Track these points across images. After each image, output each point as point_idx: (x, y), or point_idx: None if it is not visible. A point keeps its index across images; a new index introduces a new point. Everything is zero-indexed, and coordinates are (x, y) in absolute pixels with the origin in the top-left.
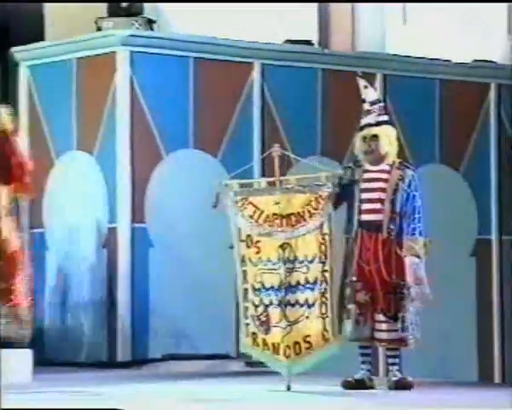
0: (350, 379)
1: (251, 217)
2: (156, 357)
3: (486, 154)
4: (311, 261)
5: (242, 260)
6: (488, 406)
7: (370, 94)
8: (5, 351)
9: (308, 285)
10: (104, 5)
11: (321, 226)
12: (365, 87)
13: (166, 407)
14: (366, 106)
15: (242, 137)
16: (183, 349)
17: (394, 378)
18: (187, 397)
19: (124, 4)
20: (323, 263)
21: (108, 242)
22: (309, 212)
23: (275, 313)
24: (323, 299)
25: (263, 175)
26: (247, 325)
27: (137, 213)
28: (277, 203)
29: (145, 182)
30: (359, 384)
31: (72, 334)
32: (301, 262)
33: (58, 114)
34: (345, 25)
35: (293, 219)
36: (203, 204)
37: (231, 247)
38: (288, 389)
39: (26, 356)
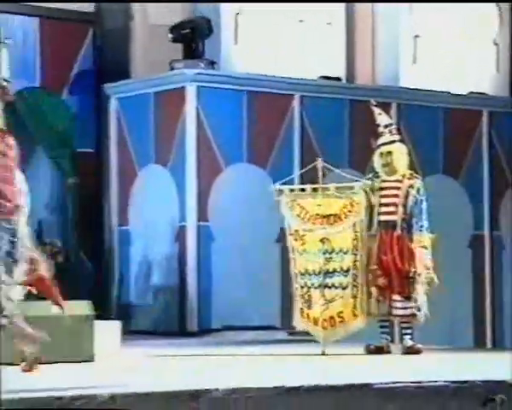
0: (372, 346)
1: (298, 216)
2: (217, 327)
3: (480, 166)
4: (345, 253)
5: (292, 251)
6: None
7: (384, 119)
8: (97, 322)
9: (342, 272)
10: (179, 50)
11: (354, 225)
12: (379, 114)
13: (226, 365)
14: (380, 129)
15: (285, 154)
16: (239, 321)
17: (407, 345)
18: (240, 358)
19: (193, 48)
20: (355, 254)
21: (179, 236)
22: (344, 213)
23: (315, 293)
24: (354, 283)
25: (301, 183)
26: (297, 301)
27: (202, 213)
28: (319, 205)
29: (208, 189)
30: (379, 350)
31: (151, 309)
32: (337, 253)
33: (140, 136)
34: (366, 64)
35: (332, 218)
36: (254, 206)
37: (277, 240)
38: (323, 353)
39: (115, 326)
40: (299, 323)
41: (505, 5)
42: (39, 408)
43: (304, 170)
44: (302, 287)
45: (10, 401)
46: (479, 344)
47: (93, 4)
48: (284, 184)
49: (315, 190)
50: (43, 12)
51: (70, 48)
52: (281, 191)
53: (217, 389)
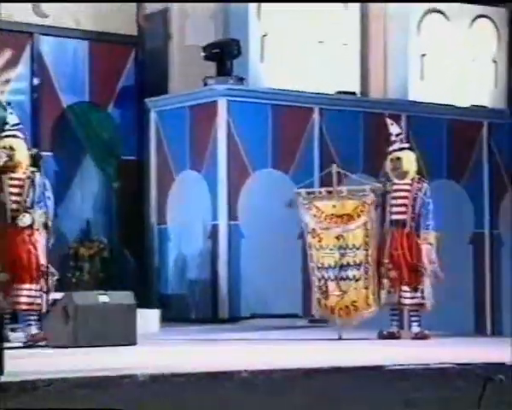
0: (384, 332)
1: (315, 216)
2: (246, 315)
3: (481, 171)
4: (358, 249)
5: (309, 247)
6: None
7: (395, 129)
8: (139, 310)
9: (355, 266)
10: (211, 68)
11: (365, 224)
12: (391, 124)
13: (253, 349)
14: (392, 137)
15: (306, 160)
16: (265, 310)
17: (415, 331)
18: (266, 343)
19: (224, 66)
20: (367, 250)
21: (212, 234)
22: (357, 213)
23: (332, 285)
24: (366, 276)
25: (321, 186)
26: (315, 292)
27: (232, 213)
28: (334, 206)
29: (237, 191)
30: (390, 335)
31: (187, 299)
32: (351, 249)
33: (177, 145)
34: (379, 80)
35: (346, 218)
36: (278, 207)
37: (299, 237)
38: (340, 338)
39: (155, 314)
40: (317, 311)
41: (503, 28)
42: (88, 387)
43: (321, 174)
44: (319, 279)
45: (62, 380)
46: (479, 331)
47: (136, 28)
48: (305, 187)
49: (330, 192)
50: (92, 36)
51: (115, 67)
52: (299, 194)
53: (245, 371)
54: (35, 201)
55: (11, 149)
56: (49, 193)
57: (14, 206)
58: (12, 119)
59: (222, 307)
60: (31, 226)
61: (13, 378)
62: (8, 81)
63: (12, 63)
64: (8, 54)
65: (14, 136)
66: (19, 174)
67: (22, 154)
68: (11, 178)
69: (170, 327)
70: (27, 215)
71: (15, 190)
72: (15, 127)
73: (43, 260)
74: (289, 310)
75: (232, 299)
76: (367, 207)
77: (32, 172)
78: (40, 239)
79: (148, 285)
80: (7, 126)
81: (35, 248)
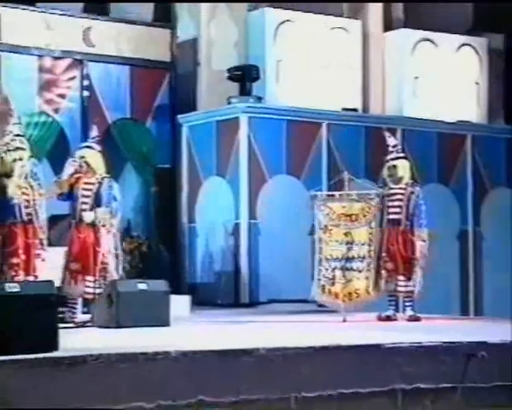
0: (382, 315)
1: (327, 214)
2: (264, 301)
3: (465, 177)
4: (362, 244)
5: (320, 241)
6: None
7: (392, 141)
8: (172, 296)
9: (360, 259)
10: (234, 88)
11: (370, 223)
12: (389, 136)
13: (270, 329)
14: (390, 148)
15: (316, 167)
16: (280, 296)
17: (408, 314)
18: (281, 324)
19: (245, 86)
20: (370, 245)
21: (235, 231)
22: (363, 214)
23: (338, 274)
24: (368, 268)
25: (328, 189)
26: (319, 280)
27: (252, 213)
28: (344, 207)
29: (256, 194)
30: (387, 318)
31: (212, 287)
32: (356, 244)
33: (205, 154)
34: (378, 98)
35: (353, 217)
36: (292, 207)
37: (309, 234)
38: (344, 320)
39: (185, 300)
40: (320, 297)
41: (484, 54)
42: (129, 361)
43: (334, 180)
44: (327, 269)
45: (107, 355)
46: (464, 313)
47: (169, 55)
48: (316, 191)
49: (340, 195)
50: (132, 62)
51: (152, 88)
52: (315, 196)
53: (263, 348)
54: (101, 202)
55: (82, 158)
56: (115, 194)
57: (83, 206)
58: (93, 134)
59: (243, 294)
60: (95, 224)
61: (66, 353)
62: (63, 100)
63: (66, 86)
64: (63, 79)
65: (88, 147)
66: (92, 179)
67: (94, 162)
68: (84, 183)
69: (198, 311)
70: (91, 213)
71: (86, 193)
72: (93, 140)
73: (103, 256)
74: (301, 296)
75: (252, 287)
76: (372, 209)
77: (103, 177)
78: (105, 236)
79: (179, 275)
80: (88, 139)
81: (98, 245)
